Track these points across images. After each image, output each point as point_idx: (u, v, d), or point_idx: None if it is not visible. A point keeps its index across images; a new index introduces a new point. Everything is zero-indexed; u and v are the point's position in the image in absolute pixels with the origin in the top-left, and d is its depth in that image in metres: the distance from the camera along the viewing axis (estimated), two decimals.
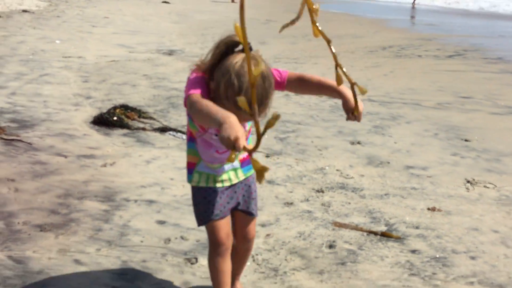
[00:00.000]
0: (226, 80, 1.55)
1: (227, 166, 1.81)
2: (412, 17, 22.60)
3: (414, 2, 28.52)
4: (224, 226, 1.85)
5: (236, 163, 1.84)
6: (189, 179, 1.85)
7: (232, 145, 1.32)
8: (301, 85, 1.82)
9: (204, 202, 1.83)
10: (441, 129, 4.86)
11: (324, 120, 4.98)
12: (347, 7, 27.11)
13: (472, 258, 2.52)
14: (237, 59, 1.57)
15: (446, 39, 13.26)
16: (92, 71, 6.86)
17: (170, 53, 8.96)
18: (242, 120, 1.49)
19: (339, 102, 5.47)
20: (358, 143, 4.32)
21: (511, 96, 6.54)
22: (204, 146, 1.79)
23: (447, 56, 10.13)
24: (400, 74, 7.99)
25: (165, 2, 22.59)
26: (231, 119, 1.38)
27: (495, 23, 18.89)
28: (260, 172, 0.97)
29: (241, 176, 1.87)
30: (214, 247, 1.86)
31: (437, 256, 2.52)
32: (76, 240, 2.52)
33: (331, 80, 1.72)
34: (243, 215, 1.93)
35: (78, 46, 8.87)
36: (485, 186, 3.45)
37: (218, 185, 1.81)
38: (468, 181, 3.53)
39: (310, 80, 1.80)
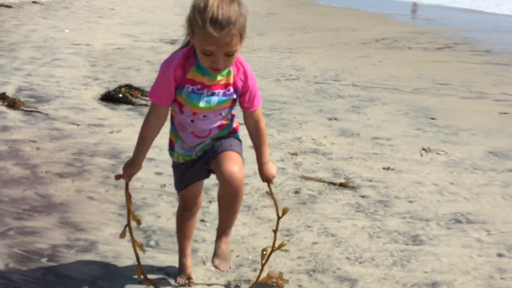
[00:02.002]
0: (193, 4, 1.63)
1: (201, 146, 1.92)
2: (413, 11, 23.04)
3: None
4: (193, 190, 2.07)
5: (208, 140, 1.91)
6: (171, 154, 2.03)
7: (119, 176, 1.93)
8: (249, 128, 1.96)
9: (178, 174, 2.03)
10: (412, 109, 5.41)
11: (308, 101, 5.55)
12: (349, 2, 27.56)
13: (410, 202, 3.09)
14: None
15: (440, 32, 13.71)
16: (99, 57, 7.45)
17: (173, 42, 9.50)
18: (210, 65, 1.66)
19: (324, 86, 6.08)
20: (335, 119, 4.89)
21: (486, 84, 7.08)
22: (181, 127, 1.90)
23: (436, 49, 10.61)
24: (387, 63, 8.51)
25: None
26: (132, 160, 1.93)
27: (494, 18, 19.27)
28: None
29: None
30: (183, 203, 2.12)
31: (381, 199, 3.09)
32: (89, 184, 3.11)
33: (262, 157, 1.97)
34: (217, 155, 1.89)
35: (86, 35, 9.45)
36: (437, 153, 4.02)
37: (194, 158, 1.95)
38: (424, 149, 4.09)
39: (253, 136, 1.96)
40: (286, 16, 16.57)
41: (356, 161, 3.76)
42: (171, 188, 3.09)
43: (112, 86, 5.51)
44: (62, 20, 11.25)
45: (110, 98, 5.03)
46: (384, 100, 5.79)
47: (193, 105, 1.78)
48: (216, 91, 1.79)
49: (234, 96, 1.84)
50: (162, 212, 2.81)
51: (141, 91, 5.29)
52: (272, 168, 2.01)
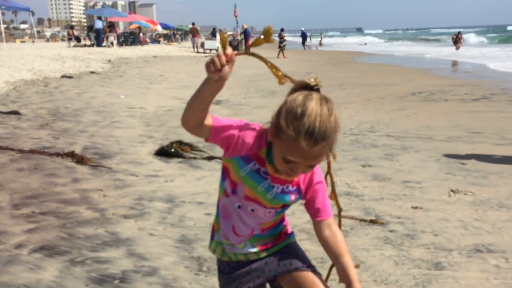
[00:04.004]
0: (287, 107, 1.40)
1: (242, 250, 1.66)
2: (454, 65, 23.29)
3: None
4: None
5: (254, 249, 1.66)
6: (210, 244, 1.75)
7: (216, 59, 1.36)
8: (322, 240, 1.67)
9: (221, 282, 1.73)
10: (444, 156, 5.71)
11: (343, 150, 5.96)
12: (387, 59, 28.19)
13: (435, 235, 3.38)
14: (305, 93, 1.42)
15: (478, 84, 13.89)
16: (152, 118, 8.20)
17: (217, 102, 10.27)
18: (289, 171, 1.44)
19: (359, 137, 6.55)
20: (369, 166, 5.25)
21: None
22: (224, 214, 1.65)
23: (472, 100, 10.81)
24: (422, 115, 8.83)
25: None
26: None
27: None
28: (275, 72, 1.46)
29: (263, 255, 1.68)
30: None
31: (408, 233, 3.40)
32: (149, 223, 3.60)
33: (350, 272, 1.57)
34: (288, 276, 1.66)
35: (140, 99, 10.37)
36: (465, 194, 4.29)
37: (233, 258, 1.67)
38: (452, 190, 4.38)
39: (330, 247, 1.64)
40: (325, 75, 17.26)
41: (386, 201, 4.10)
42: None
43: (165, 142, 6.13)
44: (118, 87, 12.33)
45: (164, 153, 5.62)
46: (417, 148, 6.11)
47: (250, 185, 1.56)
48: (276, 185, 1.56)
49: (293, 197, 1.59)
50: None
51: (190, 146, 5.87)
52: None
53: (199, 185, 4.55)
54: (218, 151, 5.86)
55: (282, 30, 30.62)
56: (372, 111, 9.16)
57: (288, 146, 1.39)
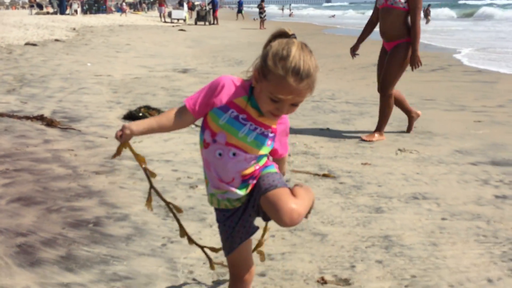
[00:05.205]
0: (273, 50, 1.58)
1: (235, 195, 1.79)
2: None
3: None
4: (244, 252, 1.88)
5: (241, 192, 1.78)
6: (208, 198, 1.90)
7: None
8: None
9: (222, 230, 1.89)
10: (396, 120, 6.13)
11: (304, 115, 6.31)
12: (353, 32, 28.54)
13: (379, 186, 3.78)
14: (285, 39, 1.61)
15: (438, 56, 14.45)
16: (119, 85, 8.33)
17: (184, 71, 10.44)
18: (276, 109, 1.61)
19: (320, 104, 6.90)
20: (327, 129, 5.62)
21: (469, 99, 7.78)
22: (206, 166, 1.79)
23: (430, 70, 11.31)
24: None
25: (181, 30, 24.37)
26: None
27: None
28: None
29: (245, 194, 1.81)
30: (233, 271, 1.91)
31: (356, 185, 3.79)
32: (119, 178, 3.87)
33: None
34: (262, 199, 1.71)
35: (106, 67, 10.41)
36: (410, 152, 4.71)
37: (229, 206, 1.83)
38: (399, 149, 4.80)
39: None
40: None
41: (339, 159, 4.48)
42: (185, 180, 3.85)
43: (133, 108, 6.33)
44: (84, 55, 12.28)
45: (132, 117, 5.83)
46: (372, 113, 6.51)
47: (231, 132, 1.69)
48: (258, 128, 1.71)
49: (269, 143, 1.76)
50: (178, 195, 3.54)
51: (158, 111, 6.08)
52: None
53: (167, 145, 4.82)
54: None
55: (262, 0, 30.35)
56: (334, 80, 9.54)
57: (277, 85, 1.56)
